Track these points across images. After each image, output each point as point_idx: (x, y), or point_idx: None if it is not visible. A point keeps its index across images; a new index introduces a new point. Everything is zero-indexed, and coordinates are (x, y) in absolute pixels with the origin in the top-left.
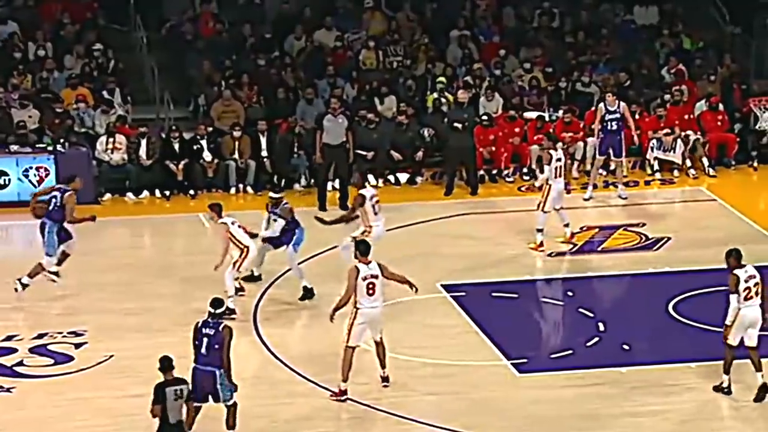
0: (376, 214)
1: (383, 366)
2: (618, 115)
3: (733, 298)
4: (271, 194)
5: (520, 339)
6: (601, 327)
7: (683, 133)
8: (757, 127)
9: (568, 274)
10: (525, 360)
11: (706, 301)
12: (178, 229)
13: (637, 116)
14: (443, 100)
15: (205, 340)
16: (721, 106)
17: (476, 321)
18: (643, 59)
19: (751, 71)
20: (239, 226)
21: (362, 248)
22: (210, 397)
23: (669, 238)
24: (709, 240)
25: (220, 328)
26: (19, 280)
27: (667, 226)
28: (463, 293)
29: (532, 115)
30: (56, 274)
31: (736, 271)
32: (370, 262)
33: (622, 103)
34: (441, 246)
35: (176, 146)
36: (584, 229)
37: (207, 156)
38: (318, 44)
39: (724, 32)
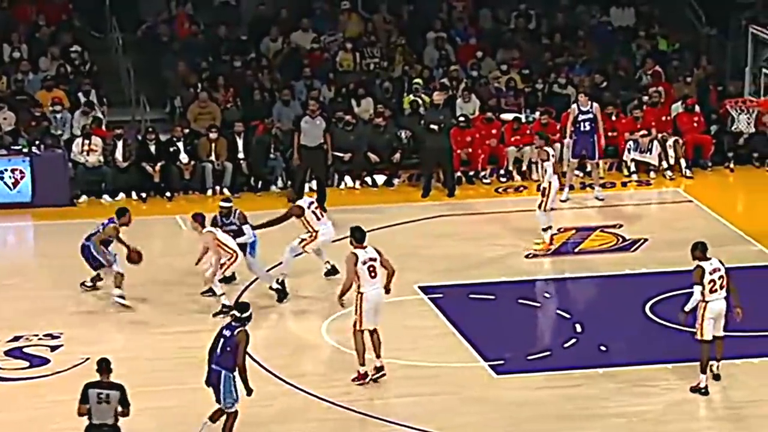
0: (318, 219)
1: (378, 356)
2: (591, 116)
3: (696, 289)
4: (222, 203)
5: (497, 340)
6: (579, 328)
7: (660, 135)
8: (733, 128)
9: (545, 275)
10: (502, 361)
11: (682, 302)
12: (155, 230)
13: (613, 118)
14: (420, 101)
15: (221, 340)
16: (697, 108)
17: (453, 322)
18: (619, 61)
19: (727, 73)
20: (224, 231)
21: (357, 235)
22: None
23: (646, 240)
24: (686, 241)
25: (236, 332)
26: (119, 295)
27: (643, 228)
28: (440, 295)
29: (508, 116)
30: (94, 286)
31: (701, 263)
32: (365, 247)
33: (595, 104)
34: (418, 248)
35: (152, 148)
36: (561, 230)
37: (183, 158)
38: (294, 46)
39: (700, 34)
